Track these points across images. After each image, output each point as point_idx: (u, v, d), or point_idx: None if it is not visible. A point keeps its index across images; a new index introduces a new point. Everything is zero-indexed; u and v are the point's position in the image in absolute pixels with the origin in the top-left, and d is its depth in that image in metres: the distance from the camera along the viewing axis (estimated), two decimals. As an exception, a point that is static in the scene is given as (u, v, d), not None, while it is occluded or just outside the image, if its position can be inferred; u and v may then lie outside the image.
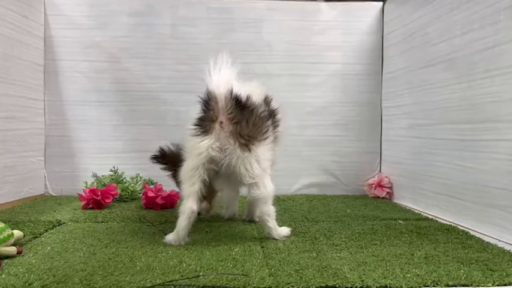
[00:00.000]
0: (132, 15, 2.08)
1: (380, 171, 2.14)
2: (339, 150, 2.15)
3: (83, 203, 1.69)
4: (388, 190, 2.01)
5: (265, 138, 1.18)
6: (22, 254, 1.06)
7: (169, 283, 0.87)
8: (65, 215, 1.57)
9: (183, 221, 1.15)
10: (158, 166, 1.53)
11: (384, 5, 2.13)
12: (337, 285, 0.87)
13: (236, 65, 1.15)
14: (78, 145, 2.09)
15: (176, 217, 1.51)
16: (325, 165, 2.15)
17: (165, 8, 2.09)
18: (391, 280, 0.89)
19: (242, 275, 0.92)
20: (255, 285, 0.86)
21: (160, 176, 1.92)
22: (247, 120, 1.14)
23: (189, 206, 1.14)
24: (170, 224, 1.40)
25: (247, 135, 1.14)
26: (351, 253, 1.10)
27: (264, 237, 1.25)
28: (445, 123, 1.56)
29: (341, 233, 1.31)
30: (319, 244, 1.19)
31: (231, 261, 1.02)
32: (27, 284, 0.86)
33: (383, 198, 2.02)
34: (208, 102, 1.13)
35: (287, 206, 1.77)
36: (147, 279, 0.88)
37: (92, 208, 1.69)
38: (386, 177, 2.04)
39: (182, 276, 0.91)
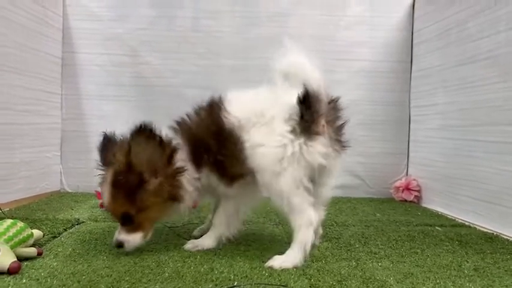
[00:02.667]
0: (152, 7, 2.01)
1: (407, 174, 2.05)
2: (364, 151, 2.05)
3: (101, 201, 1.63)
4: (416, 194, 1.92)
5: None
6: (42, 256, 1.00)
7: (204, 293, 0.80)
8: (83, 213, 1.50)
9: (311, 235, 0.98)
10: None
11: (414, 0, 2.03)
12: (387, 300, 0.79)
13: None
14: (95, 141, 2.01)
15: (198, 217, 1.45)
16: (350, 167, 2.06)
17: (187, 0, 2.01)
18: (446, 296, 0.81)
19: (281, 285, 0.84)
20: (296, 297, 0.79)
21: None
22: (341, 125, 1.03)
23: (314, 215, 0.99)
24: (194, 226, 1.33)
25: (340, 140, 1.02)
26: (392, 262, 1.02)
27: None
28: (485, 124, 1.47)
29: (376, 240, 1.23)
30: (355, 251, 1.11)
31: (266, 269, 0.94)
32: (50, 290, 0.79)
33: (410, 202, 1.92)
34: (310, 101, 0.95)
35: (312, 208, 1.69)
36: (178, 288, 0.82)
37: (110, 206, 1.62)
38: (415, 180, 1.94)
39: (216, 285, 0.84)
